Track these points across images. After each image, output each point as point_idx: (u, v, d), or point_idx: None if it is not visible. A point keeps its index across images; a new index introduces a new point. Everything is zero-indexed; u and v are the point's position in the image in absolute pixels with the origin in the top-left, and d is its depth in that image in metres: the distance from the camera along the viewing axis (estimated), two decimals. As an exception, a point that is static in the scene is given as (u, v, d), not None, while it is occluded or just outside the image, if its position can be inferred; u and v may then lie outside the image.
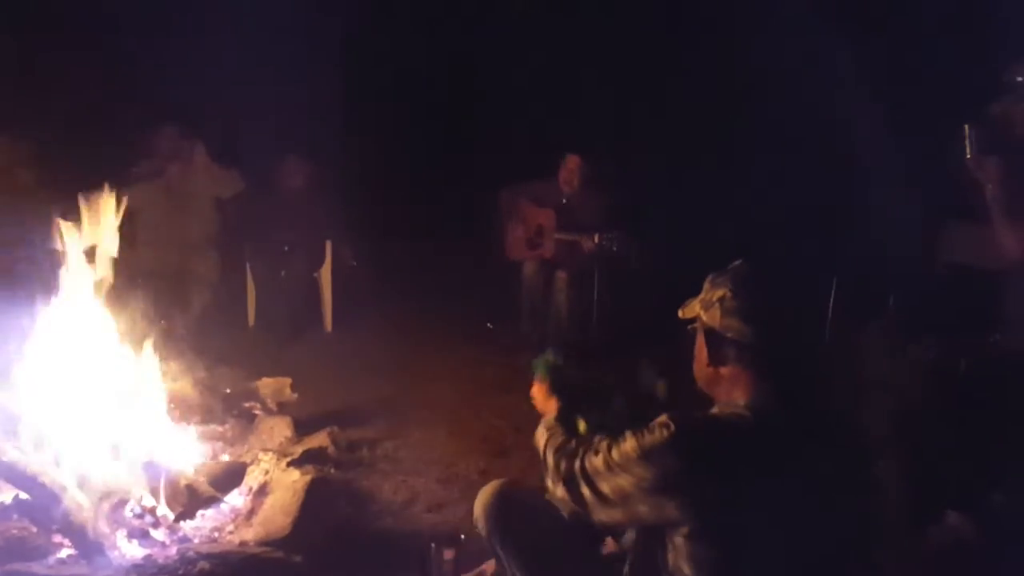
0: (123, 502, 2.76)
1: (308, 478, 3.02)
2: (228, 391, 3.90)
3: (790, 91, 5.32)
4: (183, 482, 2.87)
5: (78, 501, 2.60)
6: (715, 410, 1.67)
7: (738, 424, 1.58)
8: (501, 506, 2.04)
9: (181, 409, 3.45)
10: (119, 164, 4.80)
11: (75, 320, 3.04)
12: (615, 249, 4.97)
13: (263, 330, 5.43)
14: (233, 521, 2.89)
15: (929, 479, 2.76)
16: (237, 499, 3.02)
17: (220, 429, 3.58)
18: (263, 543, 2.66)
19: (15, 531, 2.61)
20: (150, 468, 2.86)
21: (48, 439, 2.77)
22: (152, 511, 2.79)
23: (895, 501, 2.68)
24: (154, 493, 2.83)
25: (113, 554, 2.57)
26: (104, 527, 2.62)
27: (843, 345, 3.49)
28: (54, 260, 3.08)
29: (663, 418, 1.57)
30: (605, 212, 5.20)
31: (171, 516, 2.80)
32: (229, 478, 3.06)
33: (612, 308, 5.17)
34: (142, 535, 2.70)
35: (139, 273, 3.94)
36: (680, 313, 1.76)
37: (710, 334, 1.65)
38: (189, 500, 2.85)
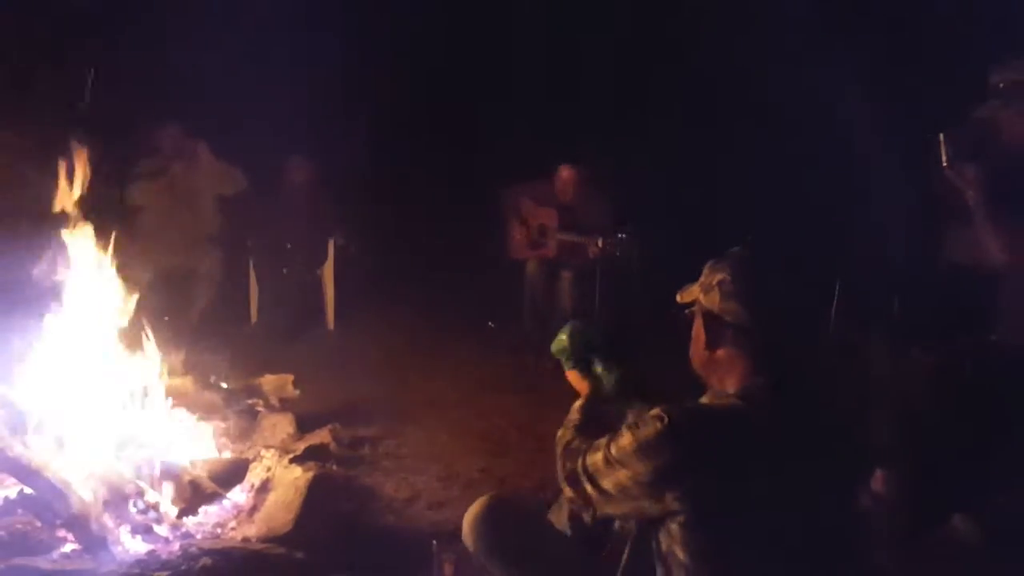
0: (127, 498, 2.78)
1: (310, 475, 3.03)
2: (231, 388, 3.91)
3: (791, 91, 5.32)
4: (186, 478, 2.89)
5: (82, 496, 2.61)
6: (706, 399, 1.68)
7: (730, 413, 1.60)
8: (487, 524, 2.03)
9: (184, 405, 3.46)
10: (122, 162, 4.83)
11: (80, 318, 3.06)
12: (619, 254, 4.99)
13: (265, 327, 5.44)
14: (235, 517, 2.90)
15: (933, 482, 2.76)
16: (239, 495, 3.03)
17: (223, 425, 3.58)
18: (265, 539, 2.67)
19: (19, 526, 2.62)
20: (153, 464, 2.87)
21: (53, 434, 2.78)
22: (155, 507, 2.80)
23: (898, 504, 2.68)
24: (157, 489, 2.84)
25: (116, 549, 2.58)
26: (107, 522, 2.64)
27: (845, 347, 3.50)
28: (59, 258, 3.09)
29: (656, 410, 1.58)
30: (608, 213, 5.21)
31: (174, 512, 2.81)
32: (232, 474, 3.08)
33: (615, 308, 5.18)
34: (145, 531, 2.71)
35: (142, 271, 3.95)
36: (679, 297, 1.78)
37: (709, 317, 1.67)
38: (192, 496, 2.86)
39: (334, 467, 3.42)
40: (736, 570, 1.57)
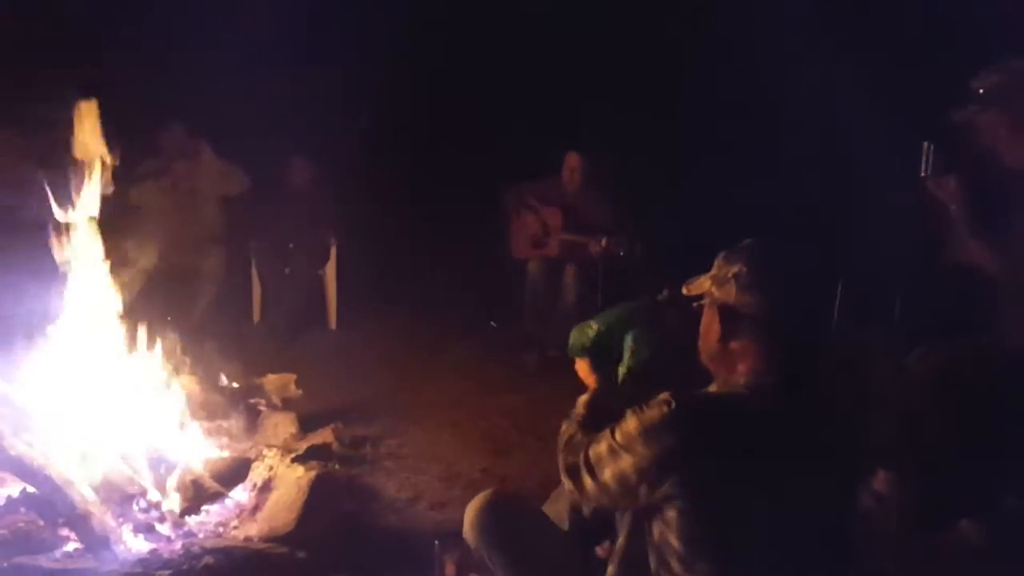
0: (129, 497, 2.78)
1: (312, 474, 3.03)
2: (233, 387, 3.91)
3: (792, 91, 5.32)
4: (188, 477, 2.89)
5: (84, 495, 2.62)
6: (714, 387, 1.68)
7: (737, 402, 1.60)
8: (489, 518, 2.03)
9: (187, 405, 3.46)
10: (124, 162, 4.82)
11: (82, 317, 3.06)
12: (622, 254, 5.00)
13: (268, 327, 5.45)
14: (237, 516, 2.90)
15: (938, 484, 2.76)
16: (241, 495, 3.03)
17: (225, 425, 3.58)
18: (267, 539, 2.67)
19: (22, 524, 2.62)
20: (156, 463, 2.88)
21: (55, 433, 2.78)
22: (158, 506, 2.81)
23: (901, 504, 2.68)
24: (160, 488, 2.85)
25: (118, 548, 2.58)
26: (110, 521, 2.64)
27: (847, 349, 3.49)
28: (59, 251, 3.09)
29: (664, 395, 1.58)
30: (611, 213, 5.21)
31: (176, 511, 2.82)
32: (234, 474, 3.08)
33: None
34: (147, 529, 2.72)
35: (144, 271, 3.96)
36: (685, 290, 1.77)
37: (724, 310, 1.66)
38: (194, 495, 2.87)
39: (336, 467, 3.43)
40: (729, 560, 1.57)
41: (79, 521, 2.56)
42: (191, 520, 2.83)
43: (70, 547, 2.58)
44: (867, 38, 5.19)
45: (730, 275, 1.65)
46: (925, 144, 2.80)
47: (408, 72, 6.38)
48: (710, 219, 5.36)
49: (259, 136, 5.52)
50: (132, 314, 3.21)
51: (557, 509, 2.13)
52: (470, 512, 2.07)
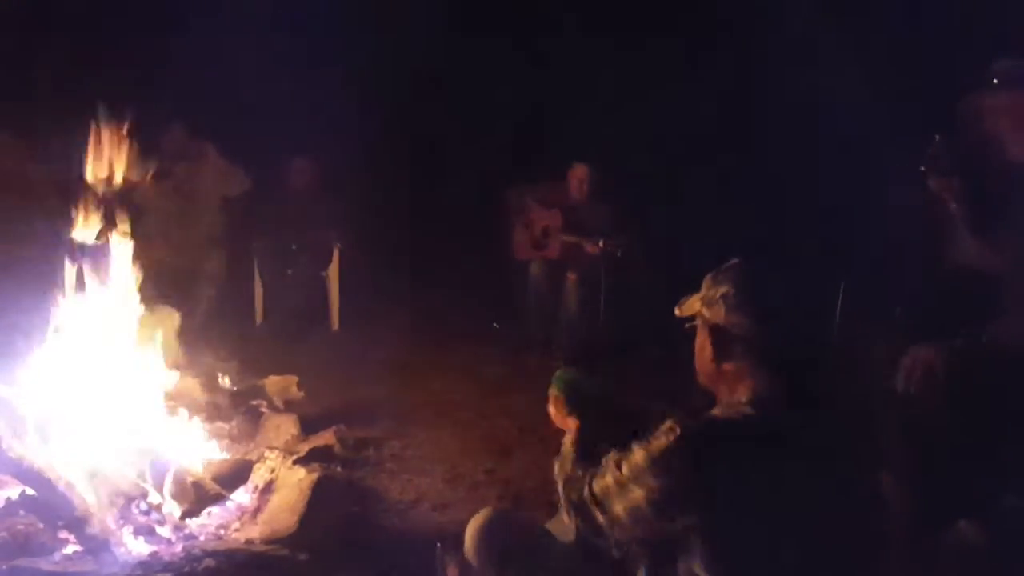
0: (130, 499, 2.77)
1: (314, 476, 3.02)
2: (235, 389, 3.90)
3: (792, 92, 5.30)
4: (189, 479, 2.87)
5: (84, 497, 2.61)
6: (718, 410, 1.66)
7: (743, 423, 1.57)
8: (492, 535, 2.01)
9: (188, 407, 3.46)
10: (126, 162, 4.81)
11: (83, 317, 3.05)
12: (619, 255, 5.00)
13: (270, 329, 5.45)
14: (239, 519, 2.90)
15: (938, 485, 2.74)
16: (243, 497, 3.02)
17: (227, 427, 3.58)
18: (269, 541, 2.66)
19: (21, 527, 2.61)
20: (156, 465, 2.86)
21: (55, 435, 2.77)
22: (158, 508, 2.80)
23: (903, 507, 2.66)
24: (160, 490, 2.83)
25: (119, 551, 2.57)
26: (110, 524, 2.63)
27: (849, 350, 3.47)
28: (63, 256, 3.09)
29: (668, 423, 1.56)
30: (612, 217, 5.21)
31: (177, 513, 2.80)
32: (235, 476, 3.07)
33: (618, 309, 5.18)
34: (148, 532, 2.71)
35: (147, 271, 3.95)
36: (677, 311, 1.76)
37: (715, 331, 1.65)
38: (195, 497, 2.85)
39: (338, 469, 3.41)
40: None
41: (79, 524, 2.55)
42: (192, 523, 2.81)
43: (70, 550, 2.57)
44: (867, 35, 5.18)
45: (718, 296, 1.63)
46: (937, 137, 2.78)
47: (412, 73, 6.37)
48: (710, 219, 5.38)
49: (261, 137, 5.51)
50: (133, 314, 3.20)
51: (560, 526, 2.09)
52: (471, 531, 2.05)
